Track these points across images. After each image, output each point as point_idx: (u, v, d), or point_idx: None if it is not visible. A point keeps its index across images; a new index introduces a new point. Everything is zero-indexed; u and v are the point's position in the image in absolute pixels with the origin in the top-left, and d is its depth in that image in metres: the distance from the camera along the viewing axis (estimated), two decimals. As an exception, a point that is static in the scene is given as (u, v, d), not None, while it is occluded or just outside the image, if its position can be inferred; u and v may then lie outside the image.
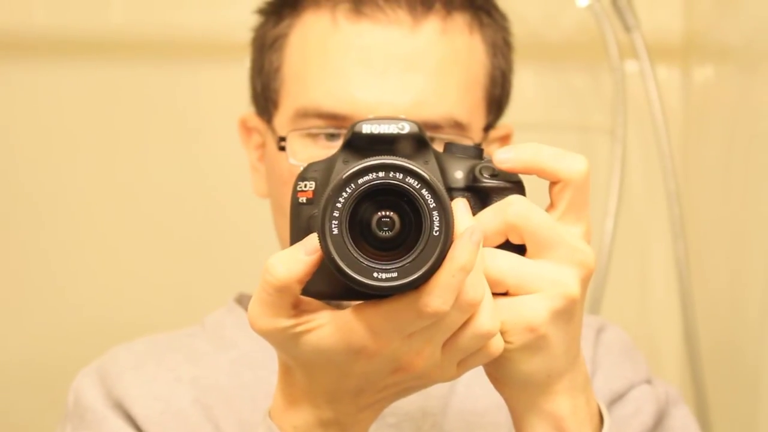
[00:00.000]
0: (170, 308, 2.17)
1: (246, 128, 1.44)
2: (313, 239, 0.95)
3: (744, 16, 2.00)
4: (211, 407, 1.35)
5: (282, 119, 1.34)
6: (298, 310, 0.98)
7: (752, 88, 1.96)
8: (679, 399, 1.41)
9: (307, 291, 0.99)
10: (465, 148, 1.03)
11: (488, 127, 1.36)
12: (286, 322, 0.98)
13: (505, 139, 1.37)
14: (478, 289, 0.96)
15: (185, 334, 1.49)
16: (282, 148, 1.31)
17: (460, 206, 0.97)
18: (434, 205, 0.93)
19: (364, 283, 0.94)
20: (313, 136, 1.30)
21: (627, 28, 2.12)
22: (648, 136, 2.13)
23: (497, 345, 0.99)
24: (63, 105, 2.27)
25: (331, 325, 0.97)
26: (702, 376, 2.06)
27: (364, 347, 0.97)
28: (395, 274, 0.94)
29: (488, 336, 0.98)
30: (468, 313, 0.96)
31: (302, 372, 1.01)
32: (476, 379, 1.07)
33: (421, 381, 1.00)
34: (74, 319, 2.25)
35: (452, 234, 0.94)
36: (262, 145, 1.40)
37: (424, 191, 0.93)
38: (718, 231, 2.11)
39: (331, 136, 1.28)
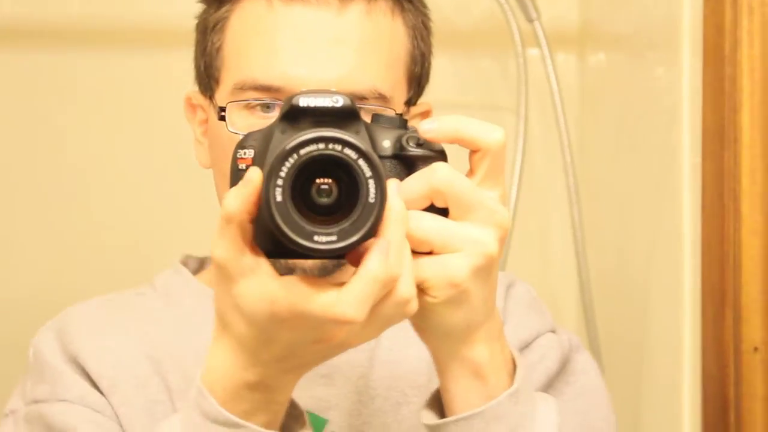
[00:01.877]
0: (122, 274, 2.11)
1: (191, 105, 1.41)
2: (252, 174, 0.93)
3: (633, 8, 2.00)
4: (159, 361, 1.32)
5: (222, 93, 1.31)
6: (251, 249, 0.96)
7: (640, 72, 1.97)
8: (580, 346, 1.40)
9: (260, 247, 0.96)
10: (391, 119, 1.01)
11: (409, 102, 1.34)
12: (237, 253, 0.95)
13: (425, 115, 1.36)
14: (399, 264, 0.94)
15: (136, 293, 1.45)
16: (222, 118, 1.28)
17: (391, 184, 0.95)
18: (370, 174, 0.91)
19: (306, 246, 0.91)
20: (250, 107, 1.27)
21: (529, 19, 2.12)
22: (548, 114, 2.14)
23: (413, 306, 0.97)
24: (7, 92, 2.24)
25: (263, 286, 0.95)
26: (595, 324, 2.09)
27: (284, 319, 0.95)
28: (334, 237, 0.91)
29: (407, 302, 0.96)
30: (389, 287, 0.94)
31: (237, 329, 0.98)
32: (400, 331, 1.04)
33: (344, 347, 0.98)
34: (26, 290, 2.21)
35: (386, 201, 0.92)
36: (206, 121, 1.37)
37: (360, 161, 0.91)
38: (608, 197, 2.14)
39: (267, 107, 1.25)
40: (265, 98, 1.25)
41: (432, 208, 0.99)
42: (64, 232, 2.24)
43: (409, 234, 0.96)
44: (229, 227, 0.95)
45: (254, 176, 0.93)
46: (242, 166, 0.98)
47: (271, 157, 0.92)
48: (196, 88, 1.39)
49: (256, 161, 0.98)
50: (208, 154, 1.36)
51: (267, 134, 0.97)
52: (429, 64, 1.37)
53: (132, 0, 2.22)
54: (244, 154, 0.99)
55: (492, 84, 2.26)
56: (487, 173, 1.00)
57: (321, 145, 0.91)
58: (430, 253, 0.98)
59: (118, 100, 2.23)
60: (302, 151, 0.91)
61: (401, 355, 1.30)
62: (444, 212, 0.99)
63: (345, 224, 0.92)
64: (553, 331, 1.39)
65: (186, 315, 1.37)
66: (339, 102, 0.95)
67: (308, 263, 1.15)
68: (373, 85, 1.26)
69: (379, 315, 0.96)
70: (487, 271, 0.99)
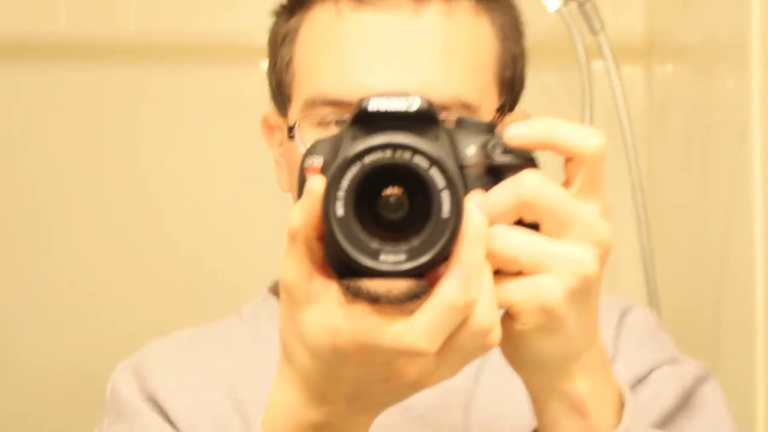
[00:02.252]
0: (206, 302, 2.01)
1: (268, 126, 1.29)
2: (313, 182, 0.82)
3: (701, 18, 1.92)
4: (242, 401, 1.21)
5: (294, 111, 1.20)
6: (317, 267, 0.84)
7: (708, 84, 1.88)
8: (707, 376, 1.25)
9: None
10: (476, 124, 0.88)
11: (502, 109, 1.21)
12: (304, 275, 0.83)
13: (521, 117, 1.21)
14: (475, 288, 0.81)
15: (221, 325, 1.34)
16: (292, 137, 1.17)
17: (472, 197, 0.83)
18: (444, 185, 0.79)
19: (369, 266, 0.80)
20: (324, 124, 1.15)
21: (593, 31, 2.01)
22: (614, 129, 2.02)
23: (494, 336, 0.84)
24: (76, 108, 2.13)
25: (327, 315, 0.83)
26: None
27: (349, 353, 0.83)
28: (403, 257, 0.80)
29: (486, 332, 0.83)
30: (464, 314, 0.82)
31: (301, 362, 0.86)
32: (502, 367, 0.92)
33: (418, 386, 0.85)
34: (98, 324, 2.11)
35: (462, 216, 0.80)
36: (282, 142, 1.26)
37: (433, 171, 0.79)
38: (677, 214, 2.04)
39: (341, 123, 1.12)
40: (338, 113, 1.14)
41: (521, 224, 0.87)
42: (143, 258, 2.15)
43: (494, 252, 0.84)
44: (294, 245, 0.84)
45: (316, 186, 0.82)
46: (310, 176, 0.87)
47: (332, 168, 0.80)
48: (272, 107, 1.28)
49: (325, 170, 0.87)
50: (286, 177, 1.25)
51: (337, 141, 0.86)
52: (523, 66, 1.25)
53: (201, 16, 2.13)
54: (312, 162, 0.88)
55: (556, 98, 2.15)
56: (585, 183, 0.87)
57: (388, 153, 0.80)
58: (519, 274, 0.86)
59: (192, 118, 2.14)
60: (367, 159, 0.80)
61: (502, 395, 1.17)
62: (535, 228, 0.87)
63: (415, 242, 0.80)
64: (673, 362, 1.25)
65: (274, 348, 1.25)
66: (414, 105, 0.83)
67: (390, 288, 1.05)
68: (456, 93, 1.14)
69: (456, 347, 0.84)
70: (584, 294, 0.86)
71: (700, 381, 1.24)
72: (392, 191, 0.81)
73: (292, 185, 1.22)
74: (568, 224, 0.85)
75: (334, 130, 1.12)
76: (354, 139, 0.83)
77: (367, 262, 0.80)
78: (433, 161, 0.79)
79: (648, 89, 2.17)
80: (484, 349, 0.85)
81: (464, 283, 0.80)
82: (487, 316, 0.82)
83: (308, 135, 1.16)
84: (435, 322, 0.81)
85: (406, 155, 0.79)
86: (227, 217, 2.14)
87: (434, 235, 0.80)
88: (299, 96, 1.19)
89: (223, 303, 1.43)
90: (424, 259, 0.79)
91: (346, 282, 0.85)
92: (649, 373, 1.23)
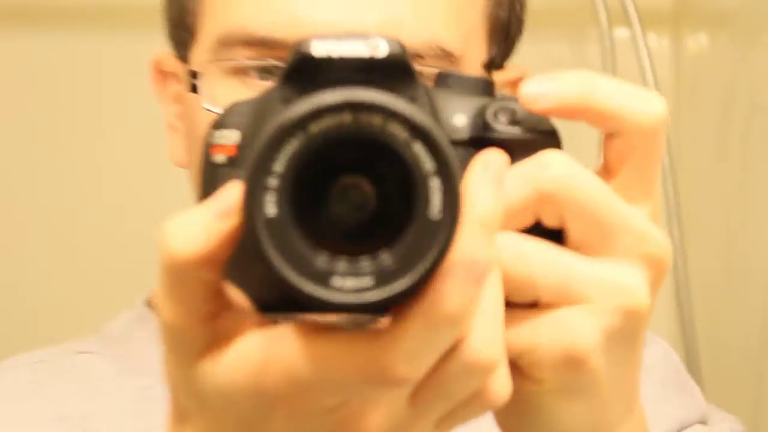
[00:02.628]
0: (77, 308, 1.74)
1: (160, 73, 0.99)
2: (229, 195, 0.53)
3: None
4: None
5: (199, 53, 0.90)
6: (221, 305, 0.56)
7: (749, 57, 1.71)
8: None
9: (236, 284, 0.57)
10: (467, 80, 0.60)
11: (491, 65, 0.92)
12: (197, 321, 0.55)
13: (516, 84, 0.90)
14: (469, 300, 0.52)
15: (78, 350, 1.03)
16: (194, 89, 0.87)
17: (480, 172, 0.54)
18: (433, 168, 0.51)
19: (315, 296, 0.51)
20: (241, 72, 0.86)
21: None
22: None
23: (501, 388, 0.55)
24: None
25: (243, 357, 0.54)
26: (697, 356, 1.78)
27: (281, 398, 0.54)
28: (369, 281, 0.52)
29: (485, 370, 0.54)
30: (451, 336, 0.53)
31: (202, 425, 0.58)
32: None
33: None
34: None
35: (460, 216, 0.52)
36: (181, 96, 0.96)
37: (417, 147, 0.51)
38: (710, 203, 1.86)
39: (267, 73, 0.85)
40: (263, 58, 0.85)
41: (538, 229, 0.59)
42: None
43: (501, 271, 0.56)
44: (179, 279, 0.55)
45: (229, 202, 0.54)
46: (219, 158, 0.59)
47: (260, 142, 0.52)
48: (168, 48, 0.96)
49: (244, 150, 0.58)
50: (183, 145, 0.95)
51: (262, 106, 0.58)
52: (522, 8, 0.97)
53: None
54: (224, 138, 0.59)
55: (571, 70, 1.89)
56: (635, 173, 0.60)
57: (347, 118, 0.51)
58: (534, 306, 0.58)
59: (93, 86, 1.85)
60: (313, 128, 0.51)
61: None
62: (557, 235, 0.59)
63: (388, 258, 0.52)
64: (704, 422, 1.00)
65: (151, 387, 0.95)
66: (381, 49, 0.55)
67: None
68: (433, 37, 0.86)
69: (439, 390, 0.55)
70: (630, 337, 0.59)
71: None
72: (352, 179, 0.54)
73: (192, 159, 0.92)
74: (610, 233, 0.58)
75: (254, 83, 0.84)
76: (287, 101, 0.55)
77: (309, 288, 0.51)
78: (419, 131, 0.51)
79: (676, 62, 1.96)
80: (483, 406, 0.56)
81: (467, 285, 0.52)
82: (487, 343, 0.54)
83: (220, 88, 0.87)
84: (420, 339, 0.52)
85: (376, 121, 0.51)
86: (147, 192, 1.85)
87: (418, 247, 0.52)
88: (208, 32, 0.89)
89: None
90: (401, 286, 0.51)
91: (271, 317, 0.56)
92: None
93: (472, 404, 0.56)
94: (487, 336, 0.54)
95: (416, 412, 0.55)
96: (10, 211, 1.86)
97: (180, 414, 0.59)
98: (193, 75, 0.87)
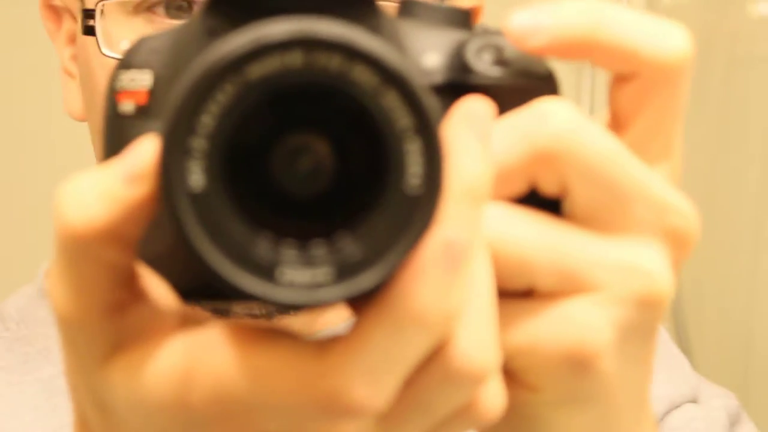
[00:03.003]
0: None
1: (51, 9, 0.86)
2: (140, 153, 0.41)
3: None
4: None
5: None
6: (133, 293, 0.44)
7: (727, 9, 1.66)
8: (740, 414, 0.90)
9: (151, 267, 0.45)
10: (439, 9, 0.48)
11: None
12: (103, 314, 0.43)
13: (474, 14, 0.78)
14: (457, 288, 0.41)
15: None
16: (89, 30, 0.74)
17: (462, 127, 0.43)
18: (413, 125, 0.39)
19: (257, 294, 0.40)
20: (144, 9, 0.73)
21: None
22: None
23: (493, 400, 0.44)
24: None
25: (166, 360, 0.43)
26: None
27: (210, 418, 0.42)
28: (326, 274, 0.40)
29: (473, 380, 0.42)
30: (425, 342, 0.41)
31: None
32: None
33: None
34: None
35: (442, 187, 0.40)
36: (76, 37, 0.83)
37: (390, 96, 0.39)
38: (691, 163, 1.80)
39: (179, 11, 0.72)
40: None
41: (534, 199, 0.46)
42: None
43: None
44: (76, 259, 0.42)
45: (145, 143, 0.41)
46: (127, 105, 0.46)
47: (179, 91, 0.39)
48: None
49: (157, 96, 0.46)
50: (81, 94, 0.81)
51: (179, 39, 0.46)
52: None
53: None
54: (132, 81, 0.46)
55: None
56: (652, 124, 0.48)
57: (296, 57, 0.39)
58: (529, 294, 0.46)
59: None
60: (253, 72, 0.39)
61: None
62: (556, 207, 0.47)
63: (350, 243, 0.40)
64: (695, 400, 0.89)
65: (56, 377, 0.83)
66: None
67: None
68: None
69: (416, 409, 0.43)
70: (645, 330, 0.47)
71: (734, 421, 0.90)
72: (303, 139, 0.42)
73: (91, 111, 0.79)
74: (623, 202, 0.46)
75: (162, 21, 0.72)
76: (213, 35, 0.42)
77: (249, 283, 0.39)
78: (392, 77, 0.39)
79: (650, 14, 1.87)
80: (467, 420, 0.44)
81: (443, 274, 0.40)
82: (478, 351, 0.42)
83: (120, 29, 0.73)
84: (384, 350, 0.40)
85: (335, 63, 0.39)
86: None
87: (390, 228, 0.40)
88: None
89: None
90: (368, 281, 0.40)
91: (194, 304, 0.45)
92: (666, 414, 0.88)
93: (456, 421, 0.44)
94: (476, 336, 0.42)
95: (386, 429, 0.43)
96: None
97: (82, 422, 0.48)
98: (88, 14, 0.75)
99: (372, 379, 0.40)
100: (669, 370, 0.92)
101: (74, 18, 0.81)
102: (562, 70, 0.50)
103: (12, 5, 1.38)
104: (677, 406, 0.88)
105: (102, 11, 0.74)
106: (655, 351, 0.50)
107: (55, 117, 0.88)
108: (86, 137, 0.82)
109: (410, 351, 0.40)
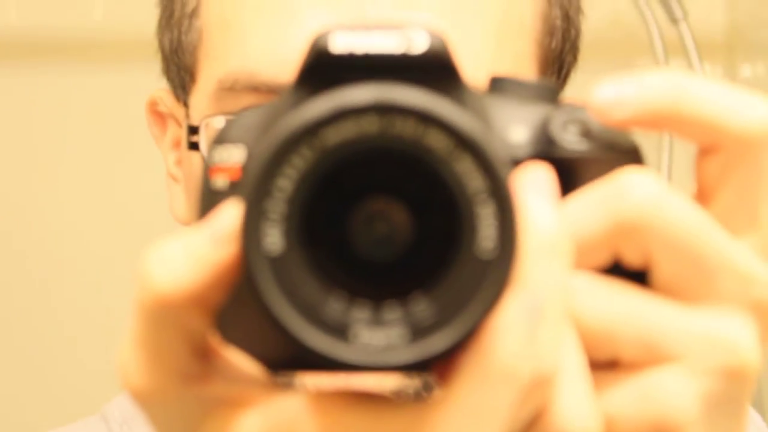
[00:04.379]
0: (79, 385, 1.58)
1: (157, 115, 0.85)
2: (226, 216, 0.42)
3: None
4: None
5: (200, 98, 0.77)
6: (209, 366, 0.44)
7: None
8: None
9: (231, 340, 0.45)
10: (527, 85, 0.48)
11: None
12: (180, 383, 0.43)
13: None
14: (549, 357, 0.41)
15: None
16: (193, 146, 0.74)
17: (530, 189, 0.43)
18: (486, 189, 0.40)
19: (329, 355, 0.40)
20: None
21: (672, 19, 1.61)
22: (690, 146, 1.62)
23: None
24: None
25: (254, 420, 0.43)
26: None
27: None
28: (399, 335, 0.40)
29: None
30: (531, 401, 0.42)
31: None
32: None
33: None
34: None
35: (517, 252, 0.40)
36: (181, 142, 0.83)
37: (464, 161, 0.40)
38: None
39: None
40: None
41: (617, 270, 0.46)
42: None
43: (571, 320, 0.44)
44: (159, 325, 0.43)
45: (225, 225, 0.42)
46: (220, 181, 0.46)
47: (259, 157, 0.40)
48: (165, 84, 0.83)
49: (250, 168, 0.45)
50: (185, 198, 0.82)
51: (272, 114, 0.45)
52: (578, 35, 0.83)
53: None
54: (226, 158, 0.46)
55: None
56: (738, 196, 0.47)
57: (372, 122, 0.40)
58: (613, 365, 0.45)
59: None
60: (330, 138, 0.40)
61: None
62: (641, 278, 0.46)
63: (424, 305, 0.40)
64: None
65: None
66: (419, 44, 0.42)
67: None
68: (475, 70, 0.70)
69: None
70: (734, 404, 0.46)
71: None
72: (379, 204, 0.42)
73: (193, 210, 0.79)
74: (708, 274, 0.45)
75: None
76: (300, 102, 0.43)
77: (322, 343, 0.40)
78: (466, 142, 0.40)
79: None
80: None
81: (526, 329, 0.41)
82: (582, 416, 0.43)
83: None
84: (477, 409, 0.40)
85: (410, 128, 0.40)
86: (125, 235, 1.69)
87: (464, 291, 0.40)
88: (208, 75, 0.76)
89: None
90: (442, 343, 0.40)
91: (277, 378, 0.45)
92: None
93: None
94: (576, 402, 0.42)
95: None
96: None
97: None
98: (193, 130, 0.75)
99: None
100: None
101: (179, 124, 0.82)
102: (641, 143, 0.50)
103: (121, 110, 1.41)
104: None
105: (208, 126, 0.75)
106: (745, 426, 0.49)
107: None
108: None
109: (505, 409, 0.40)
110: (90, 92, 1.66)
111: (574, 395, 0.42)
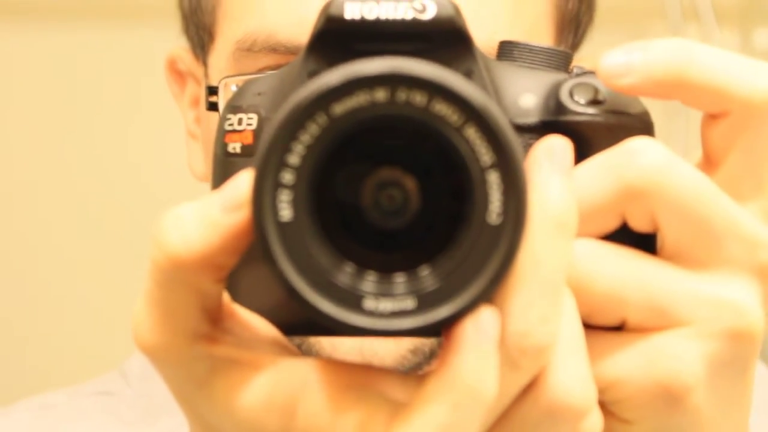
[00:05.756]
0: (98, 341, 1.57)
1: (176, 73, 0.87)
2: (238, 184, 0.43)
3: None
4: None
5: (218, 58, 0.78)
6: (219, 327, 0.46)
7: None
8: None
9: (246, 304, 0.47)
10: (537, 51, 0.49)
11: None
12: (189, 341, 0.45)
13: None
14: (546, 321, 0.43)
15: (96, 391, 0.92)
16: (213, 107, 0.75)
17: (545, 162, 0.44)
18: (493, 161, 0.41)
19: (341, 320, 0.41)
20: None
21: None
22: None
23: (590, 429, 0.44)
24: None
25: (267, 383, 0.44)
26: None
27: None
28: (409, 303, 0.41)
29: (576, 415, 0.44)
30: (528, 372, 0.43)
31: None
32: None
33: None
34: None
35: (526, 220, 0.41)
36: (198, 101, 0.85)
37: (471, 133, 0.40)
38: None
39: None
40: None
41: (625, 233, 0.46)
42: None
43: (578, 286, 0.45)
44: (171, 285, 0.44)
45: (237, 194, 0.43)
46: (234, 147, 0.48)
47: (271, 128, 0.42)
48: (184, 43, 0.84)
49: (262, 135, 0.48)
50: (203, 156, 0.83)
51: (284, 82, 0.47)
52: None
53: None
54: (240, 123, 0.48)
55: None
56: (743, 162, 0.47)
57: (381, 94, 0.41)
58: (620, 328, 0.46)
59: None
60: (338, 109, 0.41)
61: None
62: (648, 242, 0.47)
63: (431, 274, 0.42)
64: None
65: (175, 430, 0.84)
66: (429, 10, 0.44)
67: (369, 357, 0.65)
68: (492, 34, 0.72)
69: None
70: (739, 365, 0.47)
71: None
72: (388, 174, 0.43)
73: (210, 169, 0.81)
74: (714, 239, 0.46)
75: None
76: (315, 73, 0.44)
77: (332, 310, 0.41)
78: (473, 113, 0.40)
79: None
80: None
81: (539, 297, 0.43)
82: (578, 385, 0.44)
83: None
84: (448, 424, 0.42)
85: (418, 99, 0.41)
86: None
87: (471, 259, 0.41)
88: (227, 35, 0.77)
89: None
90: (448, 311, 0.41)
91: (294, 341, 0.47)
92: None
93: None
94: (574, 369, 0.43)
95: None
96: (20, 226, 1.72)
97: None
98: (212, 91, 0.76)
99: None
100: None
101: (198, 82, 0.83)
102: (654, 111, 0.51)
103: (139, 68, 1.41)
104: None
105: (226, 86, 0.75)
106: (752, 388, 0.49)
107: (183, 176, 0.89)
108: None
109: (498, 379, 0.41)
110: (110, 51, 1.67)
111: (572, 367, 0.43)
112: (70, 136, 1.67)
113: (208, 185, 0.82)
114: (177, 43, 0.86)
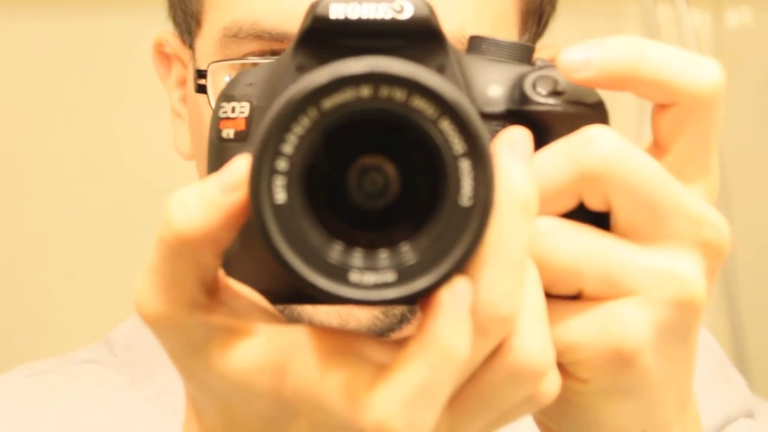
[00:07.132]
0: (82, 313, 1.62)
1: (162, 56, 0.91)
2: (235, 168, 0.48)
3: None
4: None
5: (205, 44, 0.82)
6: (215, 298, 0.51)
7: None
8: None
9: (238, 278, 0.53)
10: (503, 45, 0.54)
11: None
12: (187, 310, 0.50)
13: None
14: (512, 294, 0.47)
15: (84, 359, 0.97)
16: (201, 89, 0.80)
17: (508, 150, 0.49)
18: (465, 149, 0.46)
19: (332, 292, 0.47)
20: (251, 66, 0.79)
21: None
22: None
23: (550, 389, 0.50)
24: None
25: (258, 348, 0.50)
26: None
27: (300, 410, 0.50)
28: (390, 276, 0.47)
29: (537, 375, 0.49)
30: (495, 338, 0.48)
31: (215, 415, 0.53)
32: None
33: None
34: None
35: (493, 202, 0.47)
36: (185, 82, 0.89)
37: (444, 125, 0.46)
38: (757, 191, 1.74)
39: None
40: (275, 53, 0.77)
41: (581, 212, 0.52)
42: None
43: (540, 260, 0.50)
44: (174, 259, 0.49)
45: (235, 176, 0.49)
46: (228, 133, 0.54)
47: (267, 120, 0.47)
48: (170, 27, 0.89)
49: (254, 123, 0.53)
50: (189, 136, 0.87)
51: (273, 74, 0.53)
52: None
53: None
54: (233, 111, 0.54)
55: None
56: (689, 148, 0.53)
57: (365, 90, 0.46)
58: (577, 297, 0.52)
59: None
60: (327, 103, 0.46)
61: None
62: (602, 220, 0.52)
63: (409, 250, 0.47)
64: (750, 415, 0.93)
65: (160, 395, 0.90)
66: (406, 11, 0.49)
67: (347, 320, 0.70)
68: (460, 26, 0.78)
69: (481, 398, 0.49)
70: (682, 330, 0.52)
71: None
72: (371, 162, 0.49)
73: (197, 150, 0.85)
74: (662, 217, 0.51)
75: None
76: (301, 70, 0.50)
77: (324, 283, 0.47)
78: (447, 107, 0.46)
79: (718, 41, 1.83)
80: (526, 408, 0.51)
81: (505, 278, 0.47)
82: (539, 349, 0.49)
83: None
84: (426, 382, 0.47)
85: (398, 95, 0.46)
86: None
87: (445, 237, 0.47)
88: (213, 22, 0.81)
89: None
90: (425, 282, 0.47)
91: (278, 307, 0.53)
92: (724, 427, 0.92)
93: (518, 410, 0.51)
94: (537, 336, 0.48)
95: (454, 420, 0.50)
96: (12, 211, 1.73)
97: (196, 408, 0.55)
98: (201, 74, 0.81)
99: (415, 410, 0.47)
100: (726, 386, 0.95)
101: (183, 64, 0.87)
102: (627, 100, 0.55)
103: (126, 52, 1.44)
104: (732, 421, 0.91)
105: (211, 71, 0.80)
106: (695, 352, 0.55)
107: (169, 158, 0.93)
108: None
109: (469, 345, 0.46)
110: (96, 36, 1.69)
111: (533, 334, 0.49)
112: (56, 121, 1.69)
113: (194, 164, 0.87)
114: (163, 29, 0.91)
